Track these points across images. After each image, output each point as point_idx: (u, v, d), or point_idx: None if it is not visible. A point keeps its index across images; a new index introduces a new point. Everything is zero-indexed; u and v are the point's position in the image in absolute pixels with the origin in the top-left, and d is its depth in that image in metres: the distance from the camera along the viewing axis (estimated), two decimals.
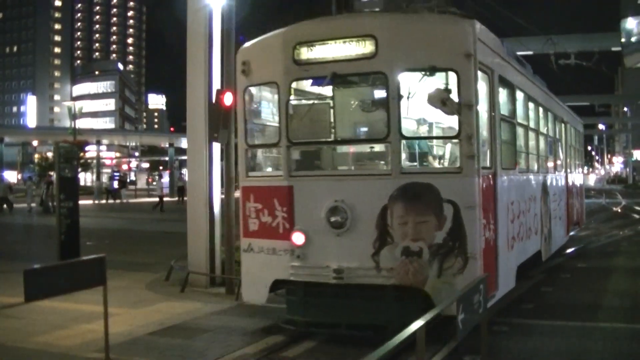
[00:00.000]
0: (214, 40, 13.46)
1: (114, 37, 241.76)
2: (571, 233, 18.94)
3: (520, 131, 11.62)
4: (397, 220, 8.46)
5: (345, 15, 11.48)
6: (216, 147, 13.51)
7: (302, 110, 9.41)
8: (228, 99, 12.62)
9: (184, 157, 30.76)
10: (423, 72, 8.69)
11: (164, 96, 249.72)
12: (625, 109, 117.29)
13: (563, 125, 17.70)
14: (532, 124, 12.91)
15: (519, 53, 16.03)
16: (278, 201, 9.20)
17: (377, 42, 8.60)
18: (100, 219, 33.56)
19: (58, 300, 8.75)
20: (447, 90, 8.56)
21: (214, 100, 12.82)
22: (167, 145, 73.34)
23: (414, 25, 9.01)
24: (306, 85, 9.84)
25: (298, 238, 8.95)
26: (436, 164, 9.99)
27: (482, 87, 8.97)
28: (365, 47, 8.71)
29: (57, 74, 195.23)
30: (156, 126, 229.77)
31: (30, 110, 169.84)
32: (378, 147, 9.41)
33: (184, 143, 61.45)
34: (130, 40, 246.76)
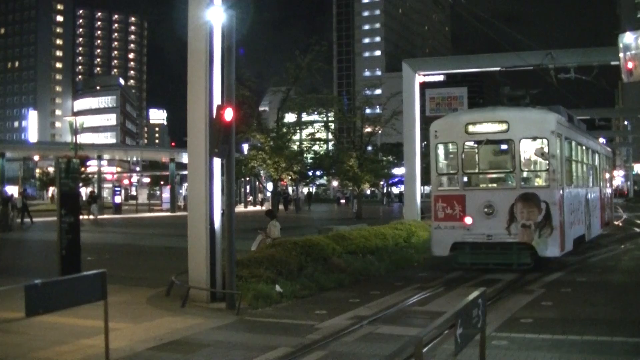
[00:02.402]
0: (214, 56, 13.53)
1: (115, 52, 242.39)
2: (600, 232, 25.99)
3: (574, 163, 20.61)
4: (519, 210, 16.95)
5: (490, 109, 19.18)
6: (217, 161, 13.57)
7: (469, 155, 18.36)
8: (228, 114, 12.71)
9: (185, 172, 30.84)
10: (531, 139, 17.78)
11: (165, 111, 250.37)
12: (626, 122, 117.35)
13: (597, 155, 26.14)
14: (579, 158, 21.77)
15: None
16: (456, 202, 17.82)
17: (509, 124, 17.57)
18: (100, 234, 33.59)
19: (59, 315, 8.78)
20: (542, 148, 17.53)
21: (214, 116, 12.91)
22: (168, 160, 73.27)
23: (526, 115, 18.21)
24: (469, 143, 18.32)
25: (468, 220, 17.54)
26: (536, 183, 18.08)
27: (558, 144, 17.57)
28: (502, 126, 17.69)
29: (58, 89, 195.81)
30: (157, 141, 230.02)
31: (31, 125, 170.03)
32: (506, 174, 18.27)
33: (184, 158, 61.44)
34: (131, 56, 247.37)
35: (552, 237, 16.64)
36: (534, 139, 17.72)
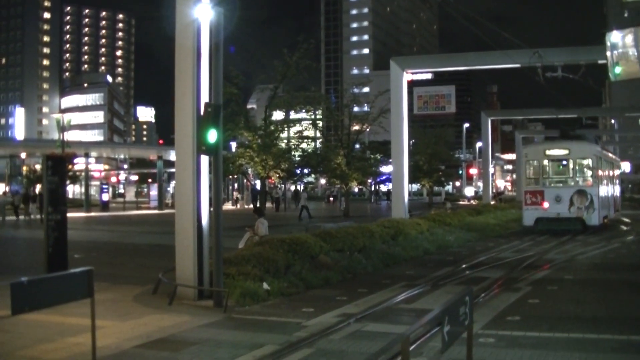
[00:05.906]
0: (202, 53, 13.48)
1: (103, 49, 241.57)
2: (614, 215, 38.76)
3: (603, 171, 33.84)
4: (575, 199, 30.47)
5: (559, 141, 33.57)
6: (204, 159, 13.53)
7: (545, 167, 32.43)
8: (216, 112, 12.66)
9: (173, 170, 30.68)
10: (582, 158, 32.05)
11: (152, 109, 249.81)
12: (613, 121, 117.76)
13: (612, 164, 40.51)
14: (604, 168, 34.30)
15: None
16: (538, 194, 31.35)
17: (570, 150, 32.02)
18: (87, 232, 33.45)
19: (45, 313, 8.73)
20: (589, 164, 31.78)
21: (202, 113, 12.87)
22: (156, 158, 72.84)
23: (579, 145, 32.50)
24: (546, 161, 32.43)
25: (545, 205, 30.91)
26: (585, 183, 31.22)
27: (597, 161, 32.19)
28: (565, 151, 32.14)
29: (45, 86, 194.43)
30: (145, 139, 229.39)
31: (18, 122, 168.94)
32: (567, 178, 32.09)
33: (172, 155, 60.99)
34: (119, 53, 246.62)
35: (594, 214, 30.20)
36: (584, 158, 31.68)
